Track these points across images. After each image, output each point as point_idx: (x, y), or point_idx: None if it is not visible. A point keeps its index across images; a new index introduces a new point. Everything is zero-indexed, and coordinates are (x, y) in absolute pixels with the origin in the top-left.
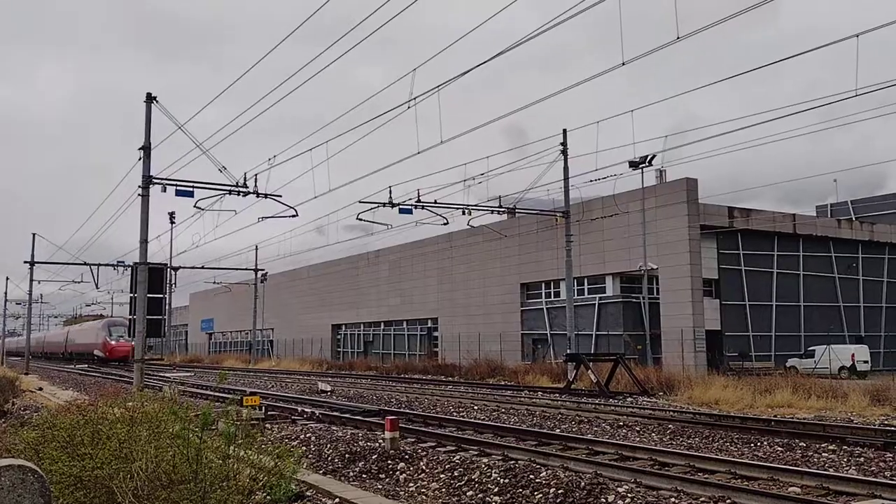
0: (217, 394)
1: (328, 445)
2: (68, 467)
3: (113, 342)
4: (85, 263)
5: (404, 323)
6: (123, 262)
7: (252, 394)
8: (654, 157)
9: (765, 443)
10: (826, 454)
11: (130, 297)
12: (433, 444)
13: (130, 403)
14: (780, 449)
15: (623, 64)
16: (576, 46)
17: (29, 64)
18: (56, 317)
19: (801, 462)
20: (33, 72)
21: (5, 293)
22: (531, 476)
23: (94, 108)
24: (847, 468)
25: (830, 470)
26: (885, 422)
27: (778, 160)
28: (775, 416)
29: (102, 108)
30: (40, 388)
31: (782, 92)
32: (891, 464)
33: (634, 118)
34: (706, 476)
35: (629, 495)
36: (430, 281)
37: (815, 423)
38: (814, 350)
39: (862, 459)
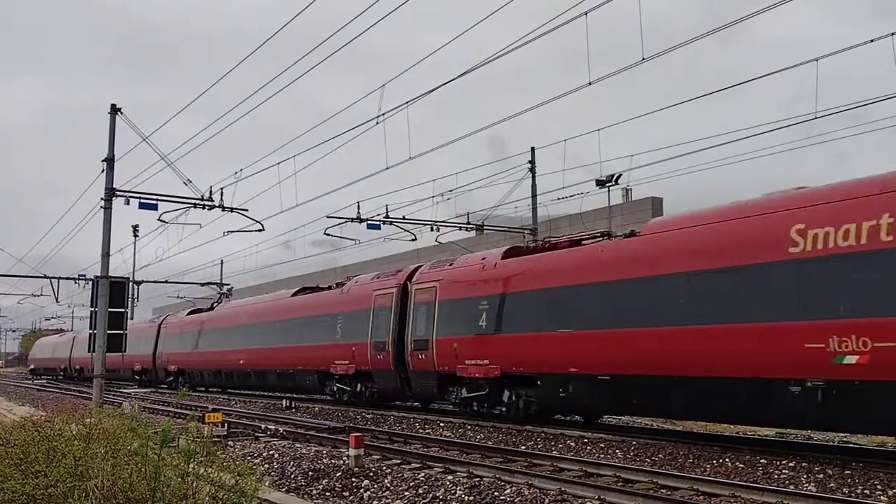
0: (179, 410)
1: (291, 463)
2: (21, 485)
3: None
4: (45, 276)
5: None
6: (85, 275)
7: (214, 410)
8: (620, 175)
9: (727, 459)
10: (786, 471)
11: (91, 312)
12: (398, 461)
13: (88, 420)
14: (741, 465)
15: (590, 83)
16: (554, 63)
17: None
18: (14, 331)
19: (762, 479)
20: None
21: None
22: (496, 493)
23: (57, 122)
24: (807, 485)
25: (791, 487)
26: (845, 439)
27: (749, 178)
28: (737, 432)
29: (66, 123)
30: None
31: (757, 110)
32: (848, 480)
33: (602, 136)
34: (669, 493)
35: None
36: None
37: (776, 439)
38: None
39: (822, 476)
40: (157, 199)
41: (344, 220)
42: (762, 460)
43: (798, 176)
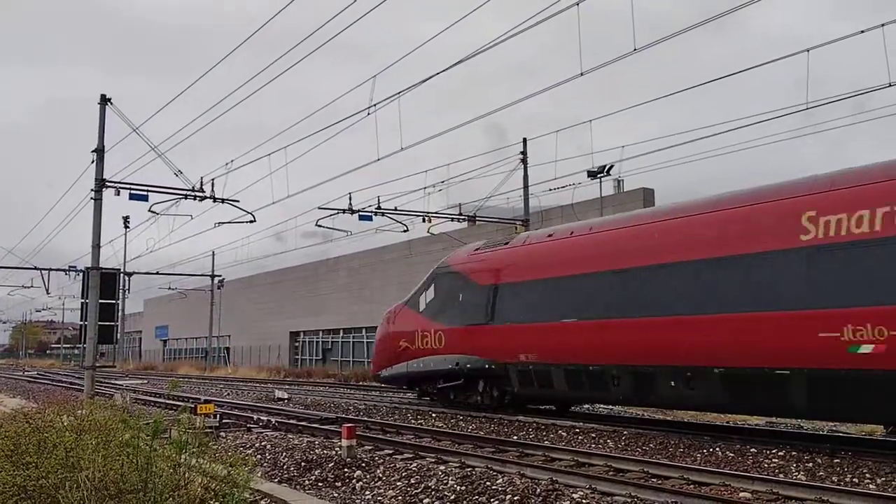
0: (170, 402)
1: (284, 454)
2: (12, 477)
3: None
4: (35, 268)
5: (364, 330)
6: (75, 266)
7: (206, 402)
8: (612, 166)
9: (717, 449)
10: (776, 460)
11: (82, 303)
12: (390, 451)
13: (80, 411)
14: (731, 455)
15: (581, 74)
16: (551, 53)
17: None
18: (4, 322)
19: (752, 468)
20: None
21: None
22: (488, 483)
23: (47, 114)
24: (796, 473)
25: (781, 476)
26: (834, 428)
27: (743, 168)
28: (727, 422)
29: (56, 113)
30: None
31: (757, 100)
32: (837, 469)
33: (596, 127)
34: (660, 482)
35: (584, 501)
36: (390, 288)
37: (766, 429)
38: None
39: (811, 465)
40: (147, 190)
41: (336, 212)
42: (752, 450)
43: (795, 165)
